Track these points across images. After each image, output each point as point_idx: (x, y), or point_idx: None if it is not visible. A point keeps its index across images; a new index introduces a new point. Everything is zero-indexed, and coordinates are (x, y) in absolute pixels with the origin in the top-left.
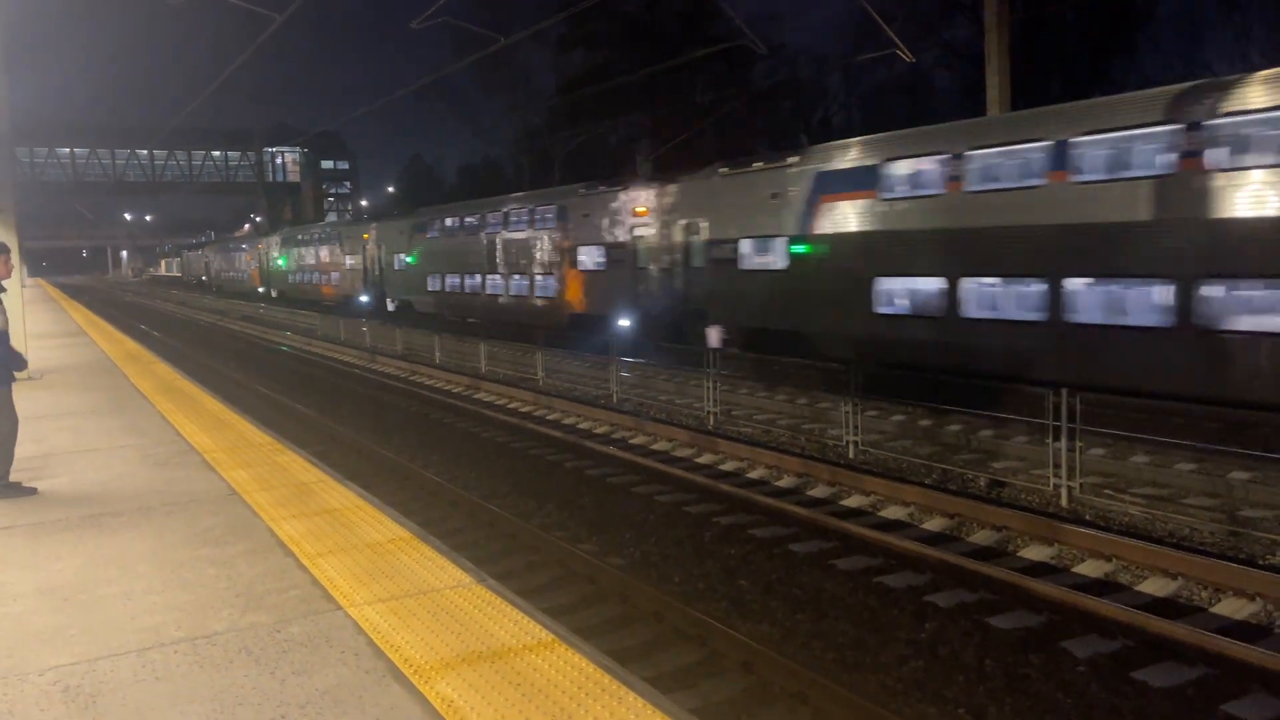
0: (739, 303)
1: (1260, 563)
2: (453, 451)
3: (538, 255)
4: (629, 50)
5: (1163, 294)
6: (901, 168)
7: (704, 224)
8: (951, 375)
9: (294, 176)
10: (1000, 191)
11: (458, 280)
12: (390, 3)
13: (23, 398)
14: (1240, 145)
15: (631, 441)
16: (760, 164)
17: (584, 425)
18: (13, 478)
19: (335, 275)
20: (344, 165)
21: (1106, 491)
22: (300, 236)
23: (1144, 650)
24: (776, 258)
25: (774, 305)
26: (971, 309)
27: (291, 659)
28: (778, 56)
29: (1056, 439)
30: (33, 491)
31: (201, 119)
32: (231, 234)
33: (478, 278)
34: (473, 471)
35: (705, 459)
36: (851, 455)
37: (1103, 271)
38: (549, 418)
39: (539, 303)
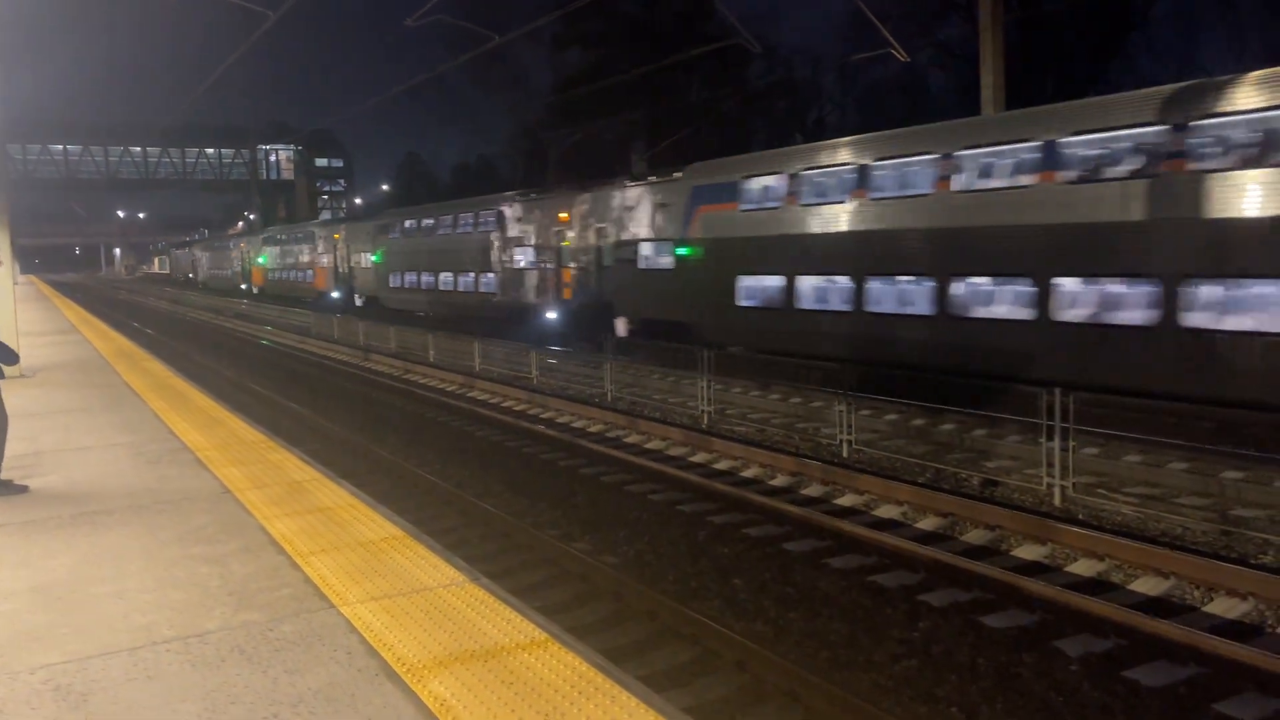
0: (639, 297)
1: (1252, 562)
2: (446, 449)
3: (481, 255)
4: (625, 49)
5: (926, 289)
6: (754, 184)
7: (611, 229)
8: (794, 359)
9: (288, 174)
10: (822, 205)
11: (415, 277)
12: (385, 0)
13: (14, 395)
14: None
15: (625, 440)
16: (654, 177)
17: (578, 424)
18: (4, 475)
19: (310, 273)
20: (338, 163)
21: (1099, 491)
22: (279, 236)
23: (1136, 649)
24: (666, 259)
25: (665, 299)
26: (806, 302)
27: (284, 658)
28: (773, 56)
29: (1050, 438)
30: (24, 489)
31: (196, 116)
32: (224, 232)
33: (431, 275)
34: (466, 470)
35: (699, 458)
36: (845, 454)
37: (886, 270)
38: (543, 416)
39: (483, 297)
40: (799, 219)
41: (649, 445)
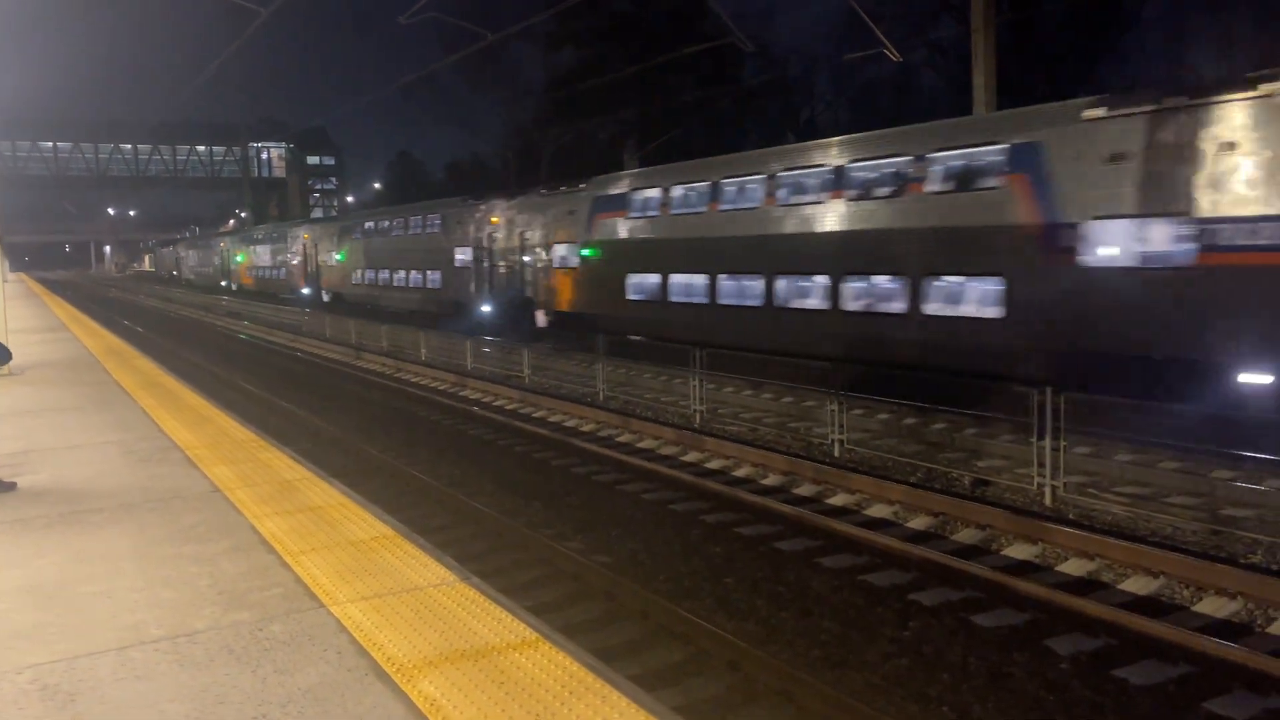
0: (554, 292)
1: (1241, 561)
2: (437, 448)
3: (429, 255)
4: (618, 47)
5: (758, 285)
6: (639, 195)
7: (531, 233)
8: (664, 342)
9: (279, 172)
10: (687, 214)
11: (374, 274)
12: None
13: (3, 393)
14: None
15: (618, 439)
16: (564, 188)
17: (570, 423)
18: None
19: (282, 271)
20: (330, 161)
21: (1090, 490)
22: (255, 236)
23: (1126, 648)
24: (574, 259)
25: (573, 294)
26: (677, 296)
27: (273, 657)
28: (766, 55)
29: (1041, 438)
30: (13, 487)
31: (186, 113)
32: (213, 230)
33: (387, 272)
34: (457, 469)
35: (691, 457)
36: (837, 454)
37: (732, 269)
38: (535, 415)
39: (431, 293)
40: (671, 226)
41: (641, 444)
